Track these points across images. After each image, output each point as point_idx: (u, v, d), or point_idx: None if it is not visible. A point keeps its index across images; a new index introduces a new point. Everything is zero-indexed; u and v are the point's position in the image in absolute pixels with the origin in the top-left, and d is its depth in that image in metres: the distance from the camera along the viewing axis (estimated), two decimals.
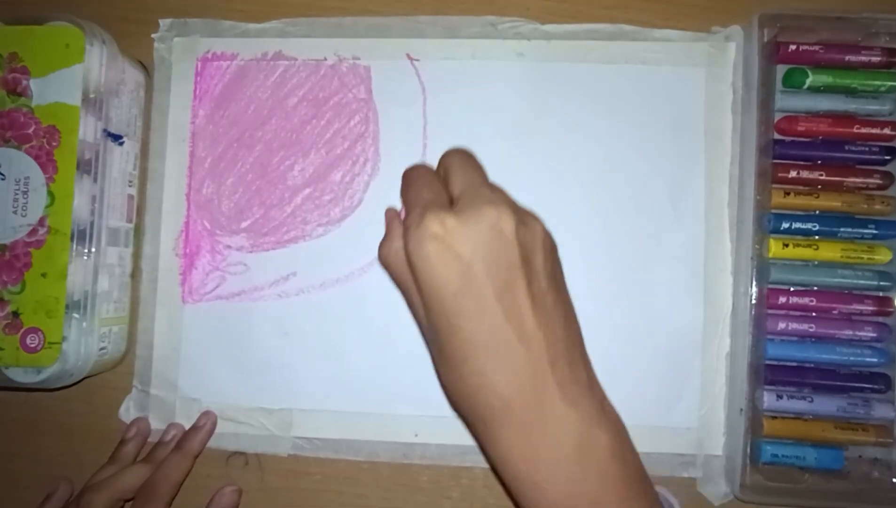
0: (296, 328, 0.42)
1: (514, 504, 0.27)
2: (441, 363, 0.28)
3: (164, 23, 0.44)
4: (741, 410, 0.39)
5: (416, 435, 0.41)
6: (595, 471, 0.26)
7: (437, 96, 0.43)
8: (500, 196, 0.29)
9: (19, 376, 0.39)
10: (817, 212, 0.40)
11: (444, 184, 0.31)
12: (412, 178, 0.31)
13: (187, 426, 0.42)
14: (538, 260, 0.27)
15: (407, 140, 0.43)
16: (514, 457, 0.26)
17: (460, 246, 0.26)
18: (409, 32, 0.43)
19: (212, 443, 0.42)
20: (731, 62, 0.42)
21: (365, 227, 0.43)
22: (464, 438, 0.41)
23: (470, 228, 0.26)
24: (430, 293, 0.27)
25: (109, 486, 0.37)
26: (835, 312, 0.40)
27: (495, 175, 0.42)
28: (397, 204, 0.39)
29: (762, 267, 0.40)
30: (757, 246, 0.40)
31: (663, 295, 0.41)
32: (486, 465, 0.41)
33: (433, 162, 0.33)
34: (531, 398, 0.26)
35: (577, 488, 0.26)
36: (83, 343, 0.39)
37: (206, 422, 0.42)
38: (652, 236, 0.42)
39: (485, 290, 0.26)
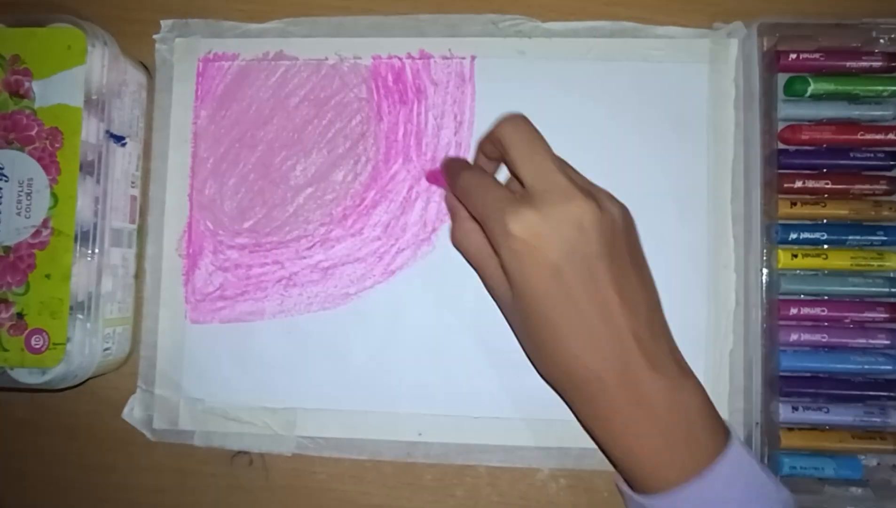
0: (299, 327, 0.42)
1: (610, 461, 0.30)
2: (532, 346, 0.30)
3: (165, 23, 0.44)
4: (757, 423, 0.39)
5: (420, 434, 0.41)
6: (683, 430, 0.29)
7: (438, 95, 0.43)
8: (573, 184, 0.29)
9: (24, 376, 0.39)
10: (825, 221, 0.40)
11: (502, 158, 0.31)
12: (471, 185, 0.32)
13: (192, 427, 0.42)
14: (618, 244, 0.29)
15: (408, 140, 0.43)
16: (609, 421, 0.29)
17: (547, 247, 0.28)
18: (409, 31, 0.43)
19: (216, 443, 0.42)
20: (733, 58, 0.42)
21: (366, 225, 0.43)
22: (468, 436, 0.41)
23: (554, 228, 0.28)
24: (522, 290, 0.29)
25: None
26: (847, 320, 0.40)
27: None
28: (398, 201, 0.40)
29: (772, 279, 0.39)
30: (765, 257, 0.39)
31: (666, 292, 0.41)
32: (490, 463, 0.41)
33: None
34: (622, 371, 0.28)
35: (668, 442, 0.28)
36: (87, 344, 0.39)
37: None
38: (654, 233, 0.41)
39: (572, 284, 0.28)
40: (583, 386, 0.29)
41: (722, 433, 0.29)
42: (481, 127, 0.42)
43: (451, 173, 0.34)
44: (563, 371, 0.29)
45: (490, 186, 0.31)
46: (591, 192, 0.29)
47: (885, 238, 0.40)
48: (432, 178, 0.42)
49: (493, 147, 0.32)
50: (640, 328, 0.29)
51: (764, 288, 0.39)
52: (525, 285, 0.28)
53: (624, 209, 0.30)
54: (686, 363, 0.30)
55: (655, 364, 0.28)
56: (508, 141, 0.31)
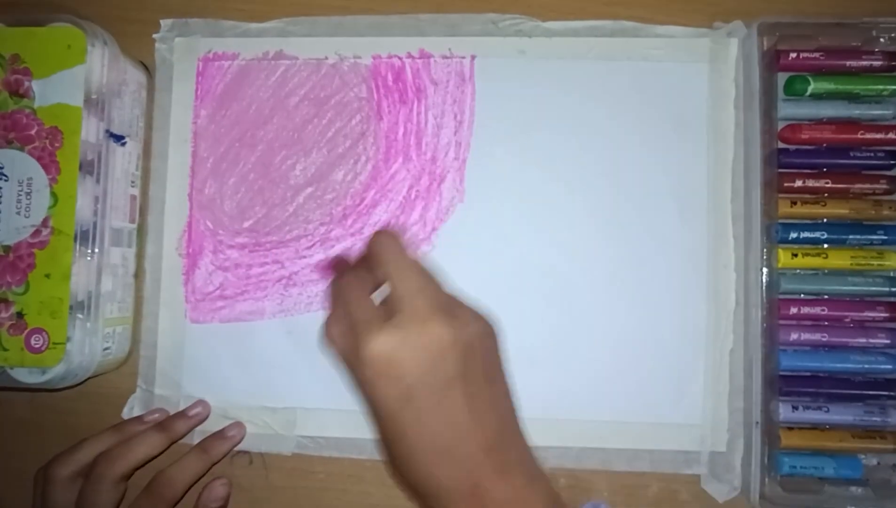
0: (299, 326, 0.42)
1: None
2: (387, 454, 0.31)
3: (165, 23, 0.44)
4: (757, 423, 0.39)
5: None
6: None
7: (438, 94, 0.43)
8: (434, 306, 0.30)
9: (24, 376, 0.39)
10: (825, 220, 0.40)
11: (374, 267, 0.32)
12: (344, 292, 0.33)
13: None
14: (474, 364, 0.30)
15: (407, 139, 0.43)
16: None
17: (401, 371, 0.29)
18: (409, 31, 0.43)
19: None
20: (733, 58, 0.42)
21: (366, 225, 0.43)
22: None
23: (409, 352, 0.29)
24: (375, 405, 0.30)
25: (120, 458, 0.37)
26: (847, 320, 0.40)
27: (498, 175, 0.42)
28: (398, 201, 0.39)
29: (772, 278, 0.39)
30: (765, 257, 0.39)
31: (667, 292, 0.41)
32: None
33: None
34: (470, 485, 0.29)
35: None
36: (87, 343, 0.39)
37: (236, 434, 0.41)
38: (655, 232, 0.42)
39: (424, 407, 0.29)
40: (435, 498, 0.29)
41: None
42: (481, 126, 0.43)
43: (336, 272, 0.36)
44: (416, 483, 0.30)
45: (359, 300, 0.32)
46: (452, 312, 0.30)
47: (885, 238, 0.39)
48: (321, 269, 0.42)
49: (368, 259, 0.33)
50: (491, 442, 0.29)
51: (764, 288, 0.39)
52: (378, 404, 0.29)
53: (485, 325, 0.31)
54: (537, 469, 0.31)
55: (504, 475, 0.29)
56: (379, 257, 0.32)
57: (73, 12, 0.40)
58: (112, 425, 0.40)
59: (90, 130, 0.39)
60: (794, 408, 0.39)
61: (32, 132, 0.38)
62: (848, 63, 0.40)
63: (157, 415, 0.41)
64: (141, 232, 0.44)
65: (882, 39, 0.40)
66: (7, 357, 0.38)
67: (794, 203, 0.40)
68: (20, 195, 0.38)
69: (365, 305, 0.31)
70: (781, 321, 0.40)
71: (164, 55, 0.44)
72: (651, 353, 0.41)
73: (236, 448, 0.42)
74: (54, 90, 0.38)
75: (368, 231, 0.43)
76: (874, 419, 0.38)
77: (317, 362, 0.42)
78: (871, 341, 0.39)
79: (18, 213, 0.38)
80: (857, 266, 0.39)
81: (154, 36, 0.44)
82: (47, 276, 0.38)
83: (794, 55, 0.40)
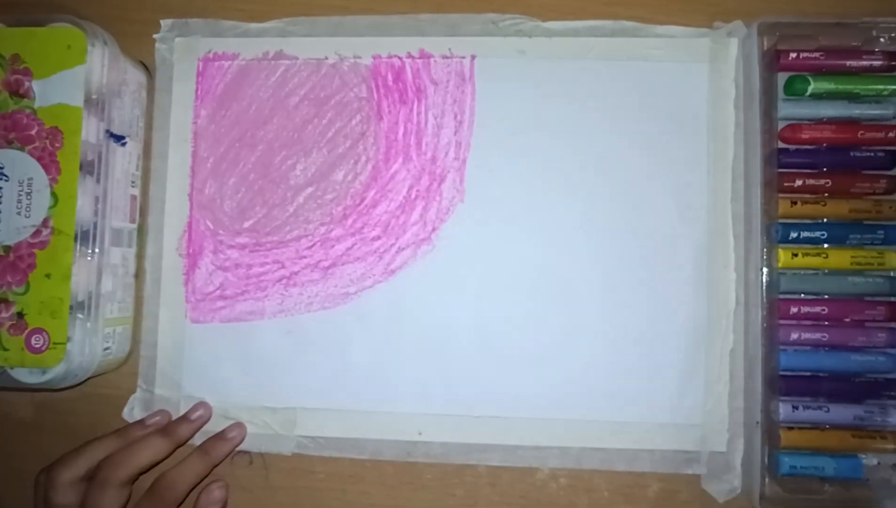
0: (299, 326, 0.42)
1: None
2: None
3: (165, 23, 0.44)
4: (757, 422, 0.39)
5: (420, 434, 0.41)
6: None
7: (438, 94, 0.43)
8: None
9: (24, 376, 0.39)
10: (825, 220, 0.40)
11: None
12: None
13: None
14: None
15: (408, 139, 0.43)
16: None
17: None
18: (409, 31, 0.43)
19: None
20: (733, 57, 0.42)
21: (367, 225, 0.43)
22: (467, 436, 0.41)
23: None
24: None
25: (125, 463, 0.38)
26: (847, 319, 0.40)
27: (498, 174, 0.42)
28: (398, 201, 0.38)
29: (772, 278, 0.39)
30: (766, 257, 0.39)
31: (667, 292, 0.41)
32: (490, 463, 0.41)
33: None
34: None
35: None
36: (87, 344, 0.39)
37: (237, 435, 0.42)
38: (655, 232, 0.42)
39: None
40: None
41: None
42: (481, 126, 0.43)
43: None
44: None
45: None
46: None
47: (885, 237, 0.39)
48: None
49: None
50: None
51: (764, 287, 0.39)
52: None
53: None
54: None
55: None
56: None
57: (73, 12, 0.40)
58: (115, 429, 0.40)
59: (90, 130, 0.39)
60: (794, 408, 0.39)
61: (33, 132, 0.38)
62: (848, 63, 0.40)
63: (158, 418, 0.41)
64: (141, 232, 0.44)
65: (882, 39, 0.40)
66: (7, 357, 0.38)
67: (794, 203, 0.40)
68: (20, 195, 0.38)
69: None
70: (781, 321, 0.40)
71: (164, 55, 0.44)
72: (651, 353, 0.41)
73: (237, 448, 0.42)
74: (54, 90, 0.38)
75: (368, 231, 0.43)
76: (874, 419, 0.38)
77: (317, 362, 0.42)
78: (871, 340, 0.39)
79: (19, 213, 0.38)
80: (857, 266, 0.39)
81: (154, 36, 0.44)
82: (47, 276, 0.38)
83: (794, 55, 0.40)
